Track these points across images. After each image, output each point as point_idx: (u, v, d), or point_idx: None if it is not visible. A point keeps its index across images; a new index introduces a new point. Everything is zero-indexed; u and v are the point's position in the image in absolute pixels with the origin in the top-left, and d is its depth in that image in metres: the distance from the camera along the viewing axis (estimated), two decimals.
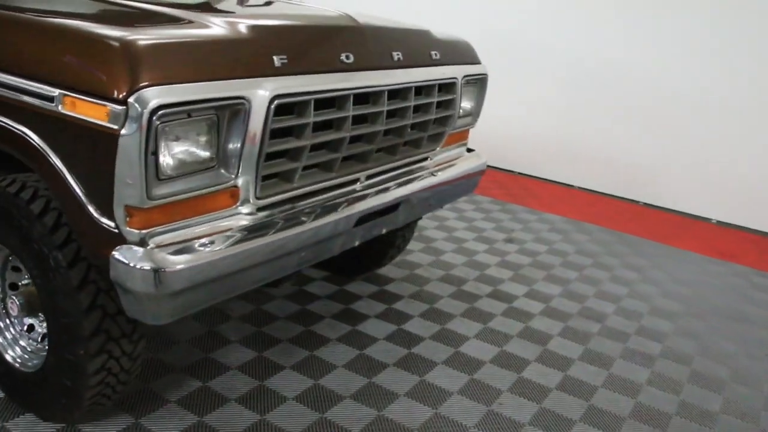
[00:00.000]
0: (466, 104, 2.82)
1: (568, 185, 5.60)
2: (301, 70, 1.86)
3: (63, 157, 1.64)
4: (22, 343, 2.07)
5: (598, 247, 4.22)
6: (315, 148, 2.04)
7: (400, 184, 2.39)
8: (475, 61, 2.78)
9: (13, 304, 2.01)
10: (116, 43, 1.53)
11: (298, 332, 2.76)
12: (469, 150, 3.01)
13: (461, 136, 2.91)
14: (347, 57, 2.03)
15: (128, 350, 1.91)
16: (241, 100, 1.67)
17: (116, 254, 1.59)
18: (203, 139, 1.66)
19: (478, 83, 2.84)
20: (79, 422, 2.06)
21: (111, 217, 1.61)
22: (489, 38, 5.75)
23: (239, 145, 1.72)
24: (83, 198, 1.64)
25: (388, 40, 2.26)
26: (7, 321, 2.08)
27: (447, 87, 2.56)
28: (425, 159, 2.65)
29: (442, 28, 2.73)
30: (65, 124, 1.60)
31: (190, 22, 1.83)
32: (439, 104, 2.55)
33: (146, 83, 1.49)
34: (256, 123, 1.72)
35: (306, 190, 2.04)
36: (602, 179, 5.44)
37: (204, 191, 1.71)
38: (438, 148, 2.68)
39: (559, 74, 5.47)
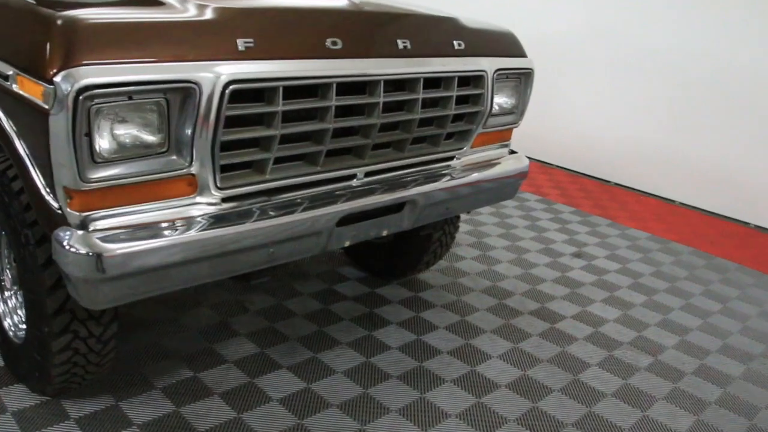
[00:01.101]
0: (504, 100, 2.55)
1: (669, 200, 5.01)
2: (270, 55, 1.74)
3: (19, 135, 1.65)
4: (19, 313, 2.14)
5: (681, 270, 3.71)
6: (299, 138, 1.91)
7: (404, 184, 2.20)
8: (515, 53, 2.51)
9: (6, 277, 2.08)
10: (51, 21, 1.50)
11: (309, 332, 2.65)
12: (512, 152, 2.74)
13: (500, 136, 2.65)
14: (334, 43, 1.88)
15: (96, 332, 1.90)
16: (190, 84, 1.58)
17: (54, 235, 1.57)
18: (150, 123, 1.59)
19: (522, 78, 2.56)
20: (56, 396, 2.09)
21: (56, 198, 1.59)
22: (591, 37, 5.31)
23: (190, 132, 1.63)
24: (36, 177, 1.63)
25: (392, 26, 2.08)
26: (10, 292, 2.16)
27: (473, 80, 2.33)
28: (449, 158, 2.43)
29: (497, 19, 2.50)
30: (17, 103, 1.60)
31: (155, 2, 1.77)
32: (462, 99, 2.33)
33: (77, 62, 1.44)
34: (209, 109, 1.62)
35: (286, 183, 1.91)
36: (710, 197, 4.81)
37: (154, 177, 1.64)
38: (466, 147, 2.45)
39: (669, 77, 4.90)
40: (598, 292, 3.30)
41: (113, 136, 1.55)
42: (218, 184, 1.74)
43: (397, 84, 2.12)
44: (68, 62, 1.44)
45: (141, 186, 1.63)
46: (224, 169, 1.76)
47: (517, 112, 2.64)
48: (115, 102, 1.51)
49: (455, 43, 2.26)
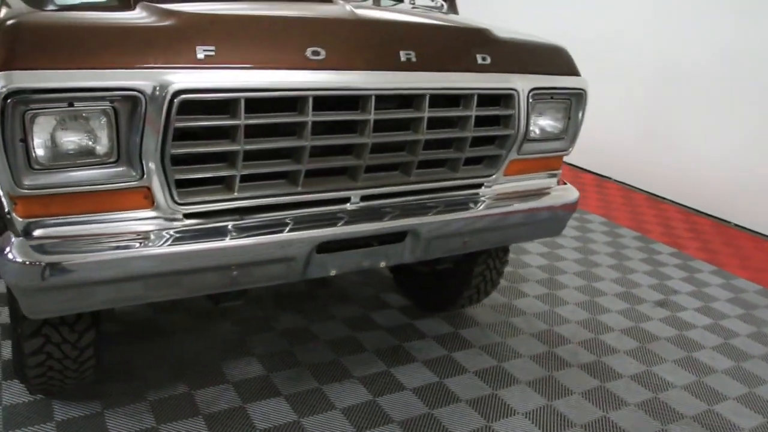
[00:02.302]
0: (547, 124, 2.20)
1: None
2: (234, 65, 1.58)
3: None
4: None
5: None
6: (278, 155, 1.74)
7: (405, 212, 1.93)
8: (562, 70, 2.15)
9: None
10: None
11: (324, 361, 2.45)
12: (563, 183, 2.36)
13: (545, 164, 2.29)
14: (315, 53, 1.68)
15: (70, 338, 1.85)
16: (134, 93, 1.47)
17: None
18: (95, 131, 1.50)
19: (572, 100, 2.20)
20: (43, 394, 2.09)
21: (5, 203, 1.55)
22: (712, 67, 4.62)
23: (138, 143, 1.51)
24: None
25: (393, 36, 1.84)
26: None
27: (501, 99, 2.02)
28: (477, 186, 2.12)
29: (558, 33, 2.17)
30: None
31: (123, 6, 1.68)
32: (486, 120, 2.02)
33: (10, 66, 1.38)
34: (156, 120, 1.50)
35: (261, 203, 1.74)
36: None
37: (104, 188, 1.54)
38: (496, 175, 2.13)
39: None
40: (674, 350, 2.77)
41: (54, 143, 1.47)
42: (176, 200, 1.61)
43: (401, 101, 1.87)
44: (1, 66, 1.38)
45: (91, 196, 1.54)
46: (184, 183, 1.63)
47: (566, 137, 2.27)
48: (53, 108, 1.43)
49: (479, 57, 1.96)
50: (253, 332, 2.61)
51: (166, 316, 2.65)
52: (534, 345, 2.71)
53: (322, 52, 1.69)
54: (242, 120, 1.60)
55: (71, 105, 1.44)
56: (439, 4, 3.48)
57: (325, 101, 1.73)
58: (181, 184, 1.62)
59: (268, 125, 1.67)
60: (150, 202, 1.60)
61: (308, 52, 1.68)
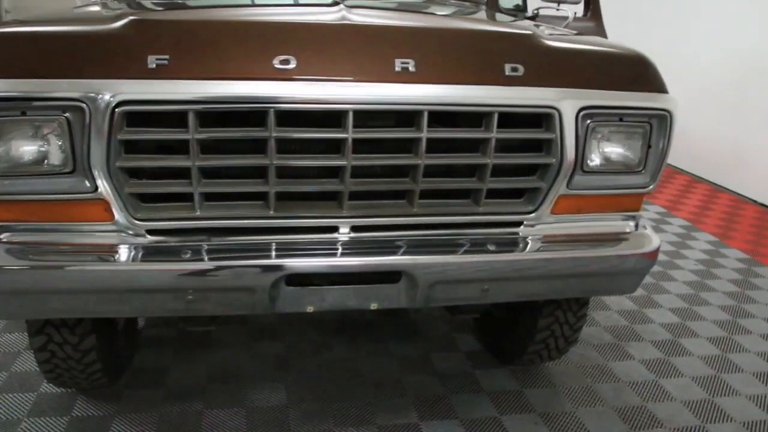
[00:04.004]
0: (616, 153, 1.71)
1: None
2: (189, 75, 1.42)
3: None
4: None
5: None
6: (254, 174, 1.54)
7: (404, 249, 1.60)
8: (636, 86, 1.65)
9: None
10: None
11: (355, 402, 2.17)
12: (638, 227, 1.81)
13: (617, 203, 1.79)
14: (285, 62, 1.45)
15: (71, 340, 1.86)
16: (79, 104, 1.39)
17: None
18: (47, 141, 1.44)
19: (652, 123, 1.67)
20: (57, 385, 2.09)
21: None
22: None
23: (86, 155, 1.43)
24: None
25: (387, 42, 1.53)
26: None
27: (540, 120, 1.58)
28: (515, 224, 1.70)
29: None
30: None
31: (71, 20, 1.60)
32: (524, 145, 1.60)
33: None
34: (100, 131, 1.40)
35: (233, 225, 1.56)
36: None
37: (60, 198, 1.48)
38: (538, 212, 1.68)
39: None
40: None
41: (6, 151, 1.44)
42: (132, 215, 1.50)
43: (401, 118, 1.55)
44: None
45: (48, 205, 1.49)
46: (149, 199, 1.51)
47: (645, 171, 1.73)
48: (5, 117, 1.40)
49: (508, 67, 1.56)
50: (297, 357, 2.43)
51: (222, 328, 2.60)
52: (611, 424, 2.13)
53: (293, 61, 1.46)
54: (192, 134, 1.43)
55: (24, 114, 1.41)
56: (569, 15, 3.03)
57: (307, 116, 1.50)
58: (147, 198, 1.51)
59: (234, 140, 1.49)
60: (110, 215, 1.51)
61: (276, 61, 1.46)
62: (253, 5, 1.98)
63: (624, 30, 6.19)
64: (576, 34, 2.01)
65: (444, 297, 1.68)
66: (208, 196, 1.55)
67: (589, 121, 1.64)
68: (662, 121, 1.69)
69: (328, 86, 1.47)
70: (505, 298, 1.76)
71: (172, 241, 1.55)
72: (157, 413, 2.07)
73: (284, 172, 1.55)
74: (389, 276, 1.62)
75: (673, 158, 5.90)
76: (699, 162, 5.42)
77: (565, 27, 2.95)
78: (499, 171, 1.64)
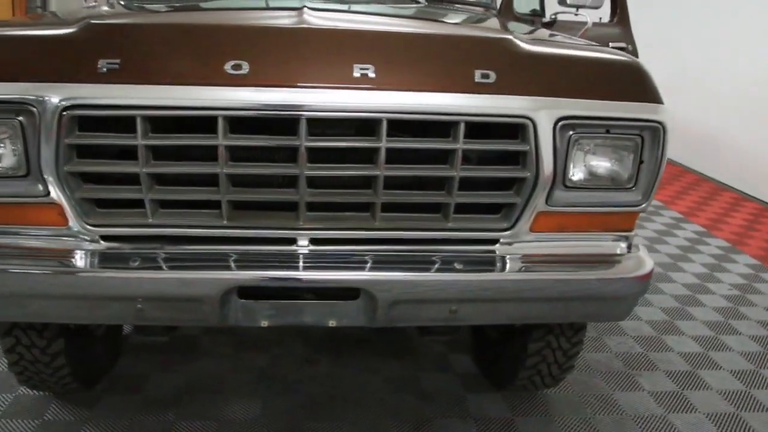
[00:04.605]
0: (602, 167, 1.56)
1: None
2: (138, 79, 1.37)
3: None
4: None
5: None
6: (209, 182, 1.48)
7: (363, 265, 1.50)
8: (625, 94, 1.51)
9: None
10: None
11: (329, 425, 2.08)
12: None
13: (606, 222, 1.64)
14: (237, 66, 1.38)
15: (39, 344, 1.84)
16: (29, 107, 1.36)
17: None
18: (4, 143, 1.42)
19: (643, 136, 1.52)
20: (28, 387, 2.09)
21: None
22: None
23: (37, 159, 1.40)
24: None
25: (349, 48, 1.43)
26: None
27: (513, 130, 1.47)
28: (490, 242, 1.58)
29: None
30: None
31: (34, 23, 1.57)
32: (490, 156, 1.49)
33: None
34: (49, 135, 1.37)
35: (187, 233, 1.50)
36: None
37: (16, 201, 1.46)
38: (514, 230, 1.56)
39: None
40: None
41: None
42: (86, 220, 1.46)
43: (363, 126, 1.47)
44: None
45: (4, 207, 1.47)
46: (105, 204, 1.48)
47: (636, 188, 1.58)
48: None
49: (478, 73, 1.45)
50: (280, 370, 2.36)
51: (210, 337, 2.55)
52: None
53: (245, 66, 1.39)
54: (140, 140, 1.38)
55: None
56: (587, 20, 2.89)
57: (267, 123, 1.43)
58: (103, 204, 1.48)
59: (187, 147, 1.44)
60: (64, 220, 1.48)
61: (228, 65, 1.39)
62: (234, 9, 1.94)
63: (659, 38, 5.95)
64: (578, 42, 1.88)
65: (408, 317, 1.57)
66: (163, 203, 1.50)
67: (571, 133, 1.50)
68: (655, 133, 1.53)
69: (281, 93, 1.39)
70: (477, 320, 1.62)
71: (126, 248, 1.50)
72: (128, 421, 2.03)
73: (240, 180, 1.49)
74: (348, 293, 1.53)
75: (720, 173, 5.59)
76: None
77: (581, 35, 2.80)
78: (469, 184, 1.52)
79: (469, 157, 1.59)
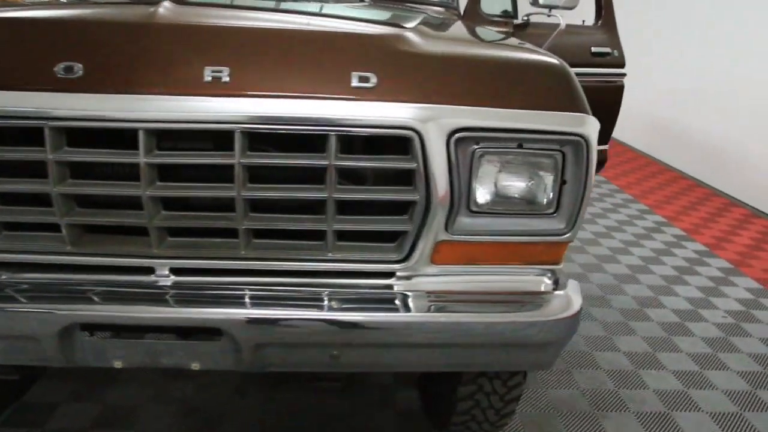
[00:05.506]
0: (516, 189, 1.30)
1: None
2: None
3: None
4: None
5: None
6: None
7: (226, 301, 1.26)
8: (543, 103, 1.24)
9: None
10: None
11: None
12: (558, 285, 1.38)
13: (524, 253, 1.37)
14: (69, 69, 1.16)
15: None
16: None
17: None
18: None
19: (564, 152, 1.26)
20: None
21: None
22: None
23: None
24: None
25: (201, 48, 1.20)
26: None
27: (401, 143, 1.21)
28: (386, 275, 1.33)
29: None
30: None
31: None
32: (383, 175, 1.25)
33: None
34: None
35: (29, 260, 1.29)
36: None
37: None
38: (410, 262, 1.30)
39: None
40: None
41: None
42: None
43: (218, 139, 1.23)
44: None
45: None
46: None
47: (558, 214, 1.31)
48: None
49: (356, 76, 1.20)
50: (205, 401, 2.12)
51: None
52: None
53: (79, 69, 1.17)
54: None
55: None
56: (560, 22, 2.60)
57: (107, 134, 1.21)
58: None
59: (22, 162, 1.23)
60: None
61: (59, 67, 1.18)
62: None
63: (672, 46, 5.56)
64: (494, 39, 1.61)
65: (282, 362, 1.32)
66: (7, 225, 1.30)
67: (474, 147, 1.25)
68: (577, 149, 1.27)
69: (116, 100, 1.17)
70: (368, 367, 1.36)
71: None
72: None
73: (87, 200, 1.28)
74: (208, 333, 1.29)
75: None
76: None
77: (552, 38, 2.52)
78: (363, 208, 1.28)
79: (363, 176, 1.34)
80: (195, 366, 1.32)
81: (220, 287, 1.30)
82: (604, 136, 3.06)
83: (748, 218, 4.48)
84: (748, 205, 4.78)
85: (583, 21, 3.02)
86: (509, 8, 3.04)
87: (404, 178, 1.28)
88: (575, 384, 2.35)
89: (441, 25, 1.57)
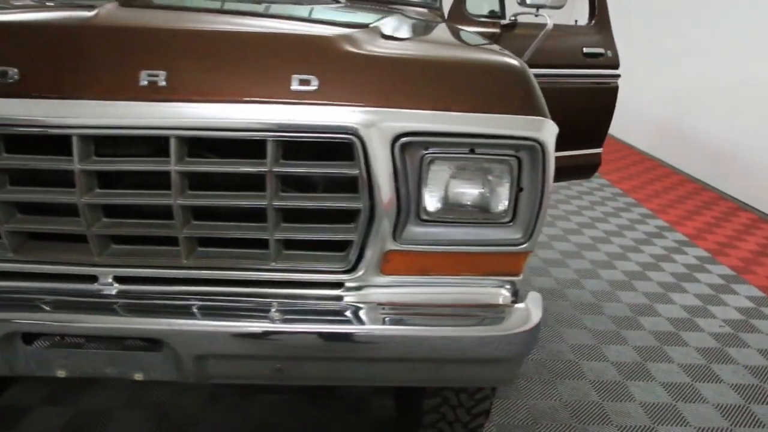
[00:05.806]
0: (468, 196, 1.24)
1: None
2: None
3: None
4: None
5: None
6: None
7: (167, 311, 1.22)
8: (497, 106, 1.18)
9: None
10: None
11: None
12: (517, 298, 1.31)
13: (479, 264, 1.31)
14: (3, 74, 1.13)
15: None
16: None
17: None
18: None
19: (519, 158, 1.20)
20: None
21: None
22: None
23: None
24: None
25: (138, 50, 1.16)
26: None
27: (342, 150, 1.16)
28: (335, 285, 1.28)
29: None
30: None
31: None
32: (341, 183, 1.20)
33: None
34: None
35: None
36: None
37: None
38: (357, 272, 1.25)
39: None
40: None
41: None
42: None
43: (156, 145, 1.19)
44: None
45: None
46: None
47: (514, 223, 1.24)
48: None
49: (296, 79, 1.15)
50: (176, 406, 2.09)
51: None
52: None
53: (15, 74, 1.14)
54: None
55: None
56: (547, 21, 2.53)
57: (47, 141, 1.18)
58: None
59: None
60: None
61: None
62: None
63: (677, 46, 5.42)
64: (447, 38, 1.55)
65: (225, 374, 1.27)
66: None
67: (423, 153, 1.19)
68: (534, 154, 1.20)
69: (51, 105, 1.13)
70: (313, 381, 1.31)
71: None
72: None
73: (31, 207, 1.24)
74: (149, 343, 1.25)
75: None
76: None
77: (539, 38, 2.44)
78: (303, 216, 1.23)
79: (314, 183, 1.29)
80: (138, 377, 1.28)
81: (164, 297, 1.26)
82: (598, 139, 2.97)
83: (756, 223, 4.35)
84: (756, 209, 4.65)
85: (576, 21, 2.94)
86: (496, 8, 2.97)
87: (352, 185, 1.23)
88: (557, 395, 2.27)
89: (402, 26, 1.51)
